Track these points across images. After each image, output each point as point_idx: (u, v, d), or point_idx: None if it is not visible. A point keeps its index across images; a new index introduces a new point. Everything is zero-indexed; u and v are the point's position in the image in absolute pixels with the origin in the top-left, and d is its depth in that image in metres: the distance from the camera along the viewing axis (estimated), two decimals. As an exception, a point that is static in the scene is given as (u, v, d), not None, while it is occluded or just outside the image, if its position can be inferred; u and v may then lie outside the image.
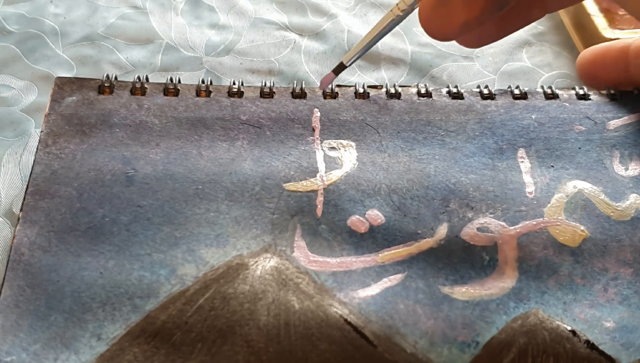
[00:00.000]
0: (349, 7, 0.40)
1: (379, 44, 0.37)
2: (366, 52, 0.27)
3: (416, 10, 0.25)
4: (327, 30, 0.38)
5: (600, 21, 0.36)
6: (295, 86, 0.30)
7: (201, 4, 0.39)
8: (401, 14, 0.25)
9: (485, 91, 0.31)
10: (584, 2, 0.37)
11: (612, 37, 0.35)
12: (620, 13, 0.36)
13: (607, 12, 0.36)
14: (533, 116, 0.30)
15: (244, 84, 0.30)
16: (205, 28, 0.38)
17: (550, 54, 0.37)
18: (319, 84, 0.35)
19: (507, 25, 0.27)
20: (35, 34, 0.36)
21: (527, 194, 0.28)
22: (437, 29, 0.25)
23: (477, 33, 0.26)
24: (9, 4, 0.38)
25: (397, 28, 0.38)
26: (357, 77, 0.36)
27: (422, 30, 0.25)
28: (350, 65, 0.28)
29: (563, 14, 0.39)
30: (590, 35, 0.36)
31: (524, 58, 0.37)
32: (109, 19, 0.38)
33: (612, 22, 0.36)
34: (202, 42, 0.37)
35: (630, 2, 0.25)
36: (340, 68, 0.28)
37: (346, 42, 0.37)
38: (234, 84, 0.30)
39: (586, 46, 0.36)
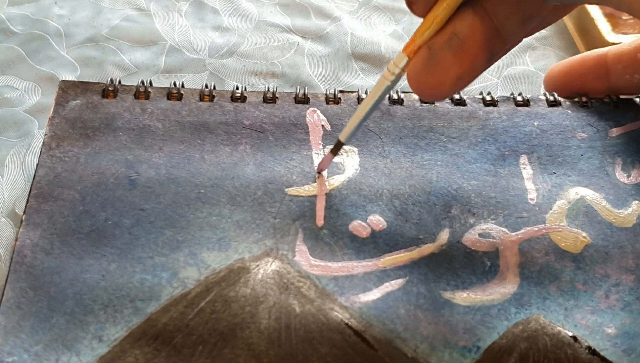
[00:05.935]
0: (353, 10, 0.40)
1: (381, 46, 0.37)
2: (362, 125, 0.26)
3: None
4: (331, 33, 0.38)
5: (603, 25, 0.36)
6: (298, 91, 0.30)
7: (205, 6, 0.39)
8: (393, 77, 0.24)
9: (488, 98, 0.31)
10: (587, 7, 0.37)
11: (616, 41, 0.35)
12: (624, 17, 0.36)
13: (610, 17, 0.36)
14: (535, 123, 0.30)
15: (247, 87, 0.30)
16: (208, 30, 0.38)
17: (554, 58, 0.37)
18: (321, 87, 0.35)
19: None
20: (39, 35, 0.36)
21: (529, 201, 0.28)
22: (429, 89, 0.24)
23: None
24: (13, 5, 0.38)
25: (400, 31, 0.38)
26: (360, 80, 0.36)
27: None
28: (347, 142, 0.26)
29: (567, 19, 0.39)
30: (594, 40, 0.36)
31: (528, 62, 0.37)
32: (113, 20, 0.38)
33: (616, 26, 0.36)
34: (205, 44, 0.37)
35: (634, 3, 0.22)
36: (337, 147, 0.27)
37: (349, 45, 0.37)
38: (237, 88, 0.30)
39: (589, 50, 0.36)
